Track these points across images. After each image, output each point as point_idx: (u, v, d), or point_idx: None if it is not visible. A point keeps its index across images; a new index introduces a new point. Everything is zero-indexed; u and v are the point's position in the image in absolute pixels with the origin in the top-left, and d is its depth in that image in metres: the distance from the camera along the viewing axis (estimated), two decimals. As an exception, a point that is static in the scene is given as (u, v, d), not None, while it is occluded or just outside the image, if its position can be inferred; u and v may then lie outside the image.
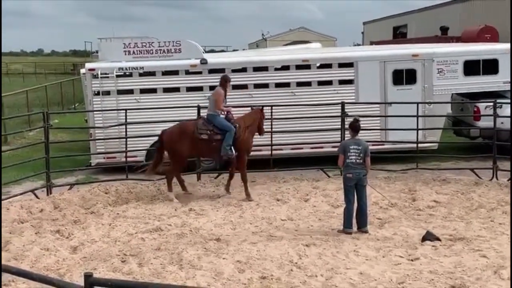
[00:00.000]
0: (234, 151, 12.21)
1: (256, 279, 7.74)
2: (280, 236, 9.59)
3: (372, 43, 35.35)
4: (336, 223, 10.24)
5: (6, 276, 7.41)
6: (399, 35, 41.06)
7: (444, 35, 28.58)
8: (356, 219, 9.84)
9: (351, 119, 13.91)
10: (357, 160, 9.74)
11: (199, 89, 15.10)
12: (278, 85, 15.29)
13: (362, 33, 52.08)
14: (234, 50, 45.85)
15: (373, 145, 14.87)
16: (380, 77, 15.38)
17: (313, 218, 10.77)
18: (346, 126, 13.89)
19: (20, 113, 22.18)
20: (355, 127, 10.01)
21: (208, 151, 12.40)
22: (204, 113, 13.80)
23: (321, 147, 14.85)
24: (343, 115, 13.87)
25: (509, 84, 15.21)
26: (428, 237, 9.17)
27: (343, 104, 13.95)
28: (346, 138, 10.05)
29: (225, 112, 12.46)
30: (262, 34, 67.83)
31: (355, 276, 7.85)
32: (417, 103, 14.15)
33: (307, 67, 15.37)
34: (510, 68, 15.19)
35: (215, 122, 12.27)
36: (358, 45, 51.58)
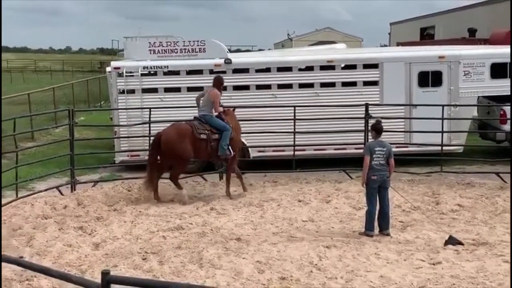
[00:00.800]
0: (231, 151, 12.28)
1: (275, 280, 7.73)
2: (301, 237, 9.57)
3: (398, 44, 35.10)
4: (357, 225, 10.18)
5: (28, 273, 7.52)
6: (426, 37, 40.74)
7: (471, 37, 28.26)
8: (378, 221, 9.78)
9: (374, 121, 13.95)
10: (381, 162, 9.69)
11: (223, 88, 15.09)
12: (302, 85, 15.25)
13: (389, 34, 51.78)
14: (259, 50, 45.87)
15: (397, 147, 14.78)
16: (405, 79, 15.26)
17: (334, 220, 10.73)
18: (370, 128, 13.89)
19: (47, 110, 22.44)
20: (378, 129, 9.96)
21: (205, 151, 12.34)
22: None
23: (344, 149, 14.80)
24: (367, 116, 13.79)
25: None
26: (451, 241, 9.07)
27: (367, 106, 13.87)
28: (369, 140, 10.00)
29: (217, 113, 12.54)
30: (288, 34, 67.82)
31: (376, 279, 7.79)
32: (443, 106, 14.02)
33: (332, 67, 15.31)
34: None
35: (211, 123, 12.32)
36: (385, 46, 51.26)
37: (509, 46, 15.38)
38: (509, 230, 9.71)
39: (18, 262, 5.65)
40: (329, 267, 8.13)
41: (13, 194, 12.00)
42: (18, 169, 12.33)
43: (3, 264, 7.58)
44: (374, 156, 9.68)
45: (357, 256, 8.57)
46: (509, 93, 15.32)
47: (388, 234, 9.67)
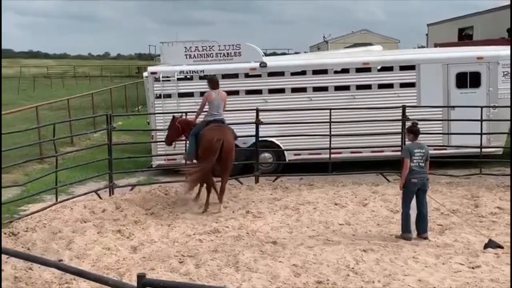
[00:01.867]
0: None
1: (311, 283, 7.71)
2: (337, 240, 9.51)
3: (436, 45, 34.66)
4: (395, 229, 10.08)
5: (68, 275, 7.65)
6: (465, 37, 40.13)
7: (510, 37, 27.73)
8: (416, 225, 9.67)
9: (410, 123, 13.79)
10: (421, 164, 9.61)
11: (258, 92, 15.17)
12: (338, 88, 15.17)
13: (426, 35, 51.19)
14: (295, 53, 45.79)
15: (435, 149, 14.63)
16: (443, 80, 15.06)
17: (371, 223, 10.64)
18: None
19: (86, 115, 22.80)
20: (415, 131, 9.86)
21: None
22: (263, 115, 13.89)
23: (381, 151, 14.67)
24: (404, 118, 13.66)
25: None
26: (490, 244, 8.91)
27: (404, 108, 13.74)
28: (406, 142, 9.91)
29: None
30: (324, 37, 67.61)
31: (414, 283, 7.70)
32: (481, 107, 13.79)
33: (368, 70, 15.20)
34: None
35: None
36: (422, 47, 50.66)
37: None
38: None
39: (56, 265, 5.75)
40: (366, 271, 8.06)
41: (53, 198, 12.22)
42: (58, 173, 12.54)
43: (43, 267, 7.76)
44: (413, 158, 9.60)
45: (395, 260, 8.48)
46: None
47: (426, 237, 9.56)
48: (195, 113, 12.81)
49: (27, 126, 18.34)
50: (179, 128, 12.71)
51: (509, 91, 14.97)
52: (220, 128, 12.00)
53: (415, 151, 9.65)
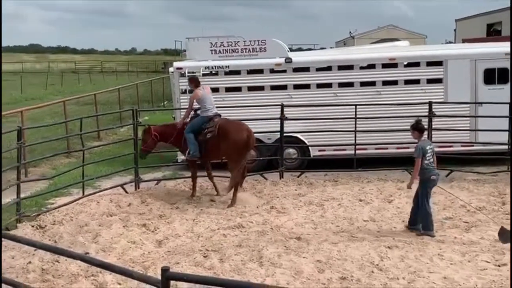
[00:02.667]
0: None
1: (335, 279, 7.70)
2: (362, 237, 9.48)
3: (464, 40, 34.23)
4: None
5: (94, 268, 7.74)
6: (493, 33, 39.55)
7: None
8: (411, 217, 9.85)
9: (438, 119, 13.68)
10: (431, 161, 9.71)
11: (283, 87, 15.15)
12: (363, 84, 15.09)
13: (455, 30, 50.57)
14: (321, 49, 45.61)
15: (462, 146, 14.52)
16: (470, 76, 14.88)
17: (396, 220, 10.57)
18: (434, 126, 13.63)
19: (112, 110, 23.02)
20: (421, 128, 9.91)
21: None
22: (288, 111, 13.88)
23: (407, 147, 14.46)
24: (431, 115, 13.54)
25: None
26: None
27: (430, 104, 13.62)
28: (422, 139, 9.86)
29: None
30: (350, 32, 67.20)
31: (439, 280, 7.65)
32: (510, 103, 13.60)
33: (394, 65, 15.07)
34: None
35: None
36: (450, 43, 50.10)
37: None
38: None
39: (82, 258, 5.82)
40: (390, 268, 8.03)
41: (80, 192, 12.37)
42: (85, 167, 12.69)
43: (70, 260, 7.86)
44: (427, 155, 9.64)
45: (420, 257, 8.43)
46: None
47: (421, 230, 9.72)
48: (184, 114, 12.66)
49: (55, 121, 18.60)
50: (156, 137, 12.55)
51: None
52: (237, 122, 12.33)
53: (427, 148, 9.70)
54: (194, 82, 12.48)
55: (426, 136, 9.98)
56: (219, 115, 12.41)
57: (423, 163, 9.58)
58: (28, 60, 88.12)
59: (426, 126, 13.45)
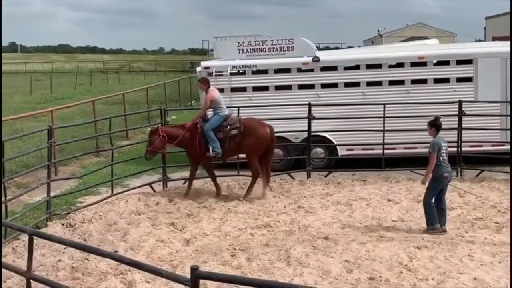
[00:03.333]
0: None
1: (364, 280, 7.65)
2: (390, 237, 9.40)
3: (494, 38, 33.78)
4: (450, 226, 9.88)
5: (123, 266, 7.80)
6: (524, 30, 38.92)
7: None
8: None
9: (468, 118, 13.51)
10: (445, 158, 9.73)
11: (311, 86, 15.09)
12: (392, 82, 14.95)
13: (484, 28, 49.93)
14: (348, 47, 45.38)
15: (492, 145, 14.30)
16: (501, 75, 14.65)
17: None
18: (464, 126, 13.47)
19: (140, 110, 23.19)
20: (438, 126, 9.91)
21: None
22: (316, 110, 13.83)
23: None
24: (461, 114, 13.38)
25: None
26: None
27: (460, 103, 13.45)
28: (437, 137, 9.83)
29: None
30: (378, 31, 66.80)
31: (469, 281, 7.56)
32: (542, 102, 13.37)
33: (423, 64, 14.91)
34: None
35: None
36: (480, 41, 49.45)
37: None
38: None
39: (112, 256, 5.87)
40: (420, 268, 7.96)
41: (109, 191, 12.49)
42: (113, 166, 12.81)
43: (99, 258, 7.94)
44: (441, 152, 9.66)
45: (450, 258, 8.34)
46: None
47: (445, 230, 9.64)
48: (199, 113, 12.62)
49: (84, 120, 18.80)
50: (164, 138, 12.41)
51: None
52: (257, 120, 12.66)
53: (442, 145, 9.73)
54: (207, 83, 12.62)
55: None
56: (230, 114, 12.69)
57: (437, 159, 9.58)
58: (58, 60, 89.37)
59: (456, 125, 13.45)
